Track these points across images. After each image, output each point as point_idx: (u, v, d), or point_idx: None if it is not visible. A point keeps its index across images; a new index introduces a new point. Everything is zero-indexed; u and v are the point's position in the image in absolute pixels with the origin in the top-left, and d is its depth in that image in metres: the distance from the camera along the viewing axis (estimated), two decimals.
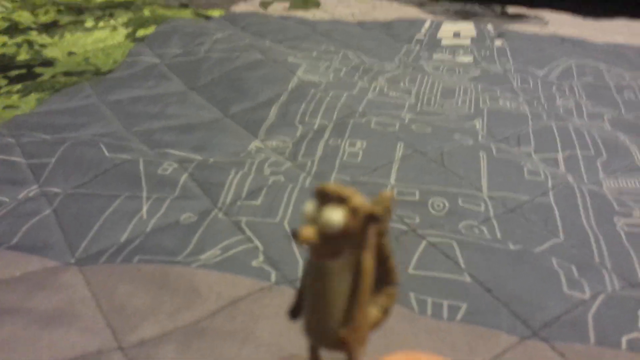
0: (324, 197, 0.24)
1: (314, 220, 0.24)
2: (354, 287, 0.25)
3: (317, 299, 0.26)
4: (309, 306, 0.27)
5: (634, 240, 0.45)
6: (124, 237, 0.44)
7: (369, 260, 0.25)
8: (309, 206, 0.24)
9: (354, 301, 0.26)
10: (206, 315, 0.37)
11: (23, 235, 0.44)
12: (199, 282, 0.39)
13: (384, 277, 0.28)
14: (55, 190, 0.50)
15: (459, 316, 0.37)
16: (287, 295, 0.38)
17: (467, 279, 0.40)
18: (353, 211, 0.24)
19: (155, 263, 0.41)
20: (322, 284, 0.26)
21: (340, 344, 0.26)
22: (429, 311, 0.38)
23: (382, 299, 0.28)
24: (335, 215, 0.24)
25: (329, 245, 0.24)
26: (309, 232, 0.24)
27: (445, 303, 0.38)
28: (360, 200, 0.24)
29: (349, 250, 0.25)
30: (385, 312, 0.28)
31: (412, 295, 0.39)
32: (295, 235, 0.24)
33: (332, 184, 0.24)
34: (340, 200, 0.24)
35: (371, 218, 0.24)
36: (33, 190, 0.50)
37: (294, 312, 0.29)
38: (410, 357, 0.23)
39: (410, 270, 0.41)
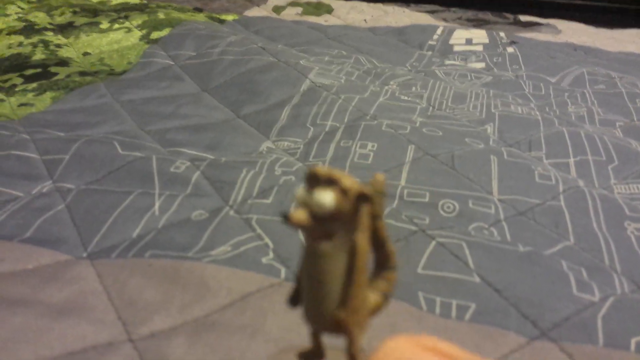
0: (315, 181, 0.25)
1: (306, 203, 0.24)
2: (349, 268, 0.26)
3: (313, 283, 0.26)
4: (306, 291, 0.27)
5: None
6: (136, 233, 0.45)
7: (362, 241, 0.25)
8: (301, 190, 0.25)
9: (349, 282, 0.26)
10: (216, 309, 0.37)
11: (36, 229, 0.45)
12: (209, 277, 0.39)
13: (383, 261, 0.28)
14: (69, 186, 0.51)
15: (468, 316, 0.37)
16: None
17: (476, 279, 0.40)
18: (343, 192, 0.24)
19: (166, 258, 0.41)
20: (317, 267, 0.26)
21: (338, 326, 0.26)
22: (438, 310, 0.38)
23: (382, 284, 0.28)
24: (326, 197, 0.24)
25: (321, 227, 0.25)
26: (299, 214, 0.24)
27: (454, 302, 0.38)
28: (350, 181, 0.24)
29: (343, 232, 0.25)
30: (386, 297, 0.28)
31: (420, 294, 0.39)
32: (286, 217, 0.24)
33: (322, 167, 0.25)
34: (330, 182, 0.24)
35: (362, 198, 0.25)
36: (47, 185, 0.51)
37: (294, 300, 0.29)
38: (413, 340, 0.23)
39: (420, 270, 0.41)
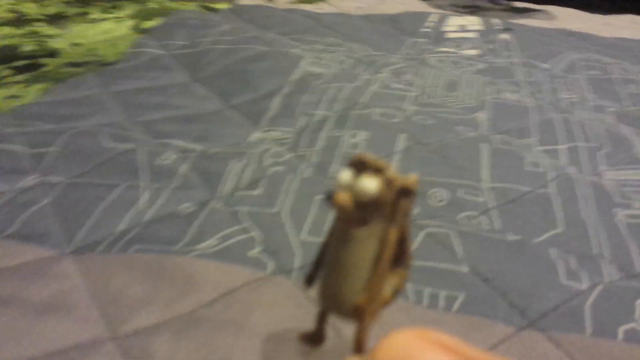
0: (360, 166, 0.25)
1: (348, 187, 0.25)
2: (377, 258, 0.26)
3: (338, 265, 0.27)
4: (328, 272, 0.28)
5: (633, 231, 0.45)
6: (121, 227, 0.44)
7: (394, 233, 0.26)
8: (345, 173, 0.25)
9: (375, 271, 0.26)
10: (202, 304, 0.37)
11: (21, 224, 0.44)
12: (195, 271, 0.39)
13: (399, 258, 0.28)
14: (55, 179, 0.50)
15: (456, 306, 0.37)
16: (284, 286, 0.38)
17: (465, 269, 0.40)
18: (388, 182, 0.25)
19: (151, 253, 0.41)
20: (346, 250, 0.26)
21: (354, 312, 0.27)
22: (425, 301, 0.37)
23: (394, 279, 0.28)
24: (372, 184, 0.24)
25: (359, 212, 0.25)
26: (344, 197, 0.25)
27: (442, 293, 0.38)
28: (395, 172, 0.25)
29: (377, 221, 0.26)
30: (395, 292, 0.29)
31: (408, 285, 0.38)
32: (330, 198, 0.25)
33: (369, 154, 0.25)
34: (376, 170, 0.25)
35: (404, 191, 0.25)
36: (32, 179, 0.50)
37: (310, 280, 0.29)
38: (417, 334, 0.23)
39: None
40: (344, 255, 0.27)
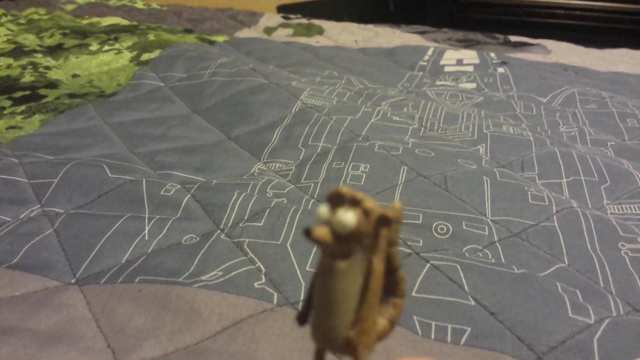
0: (338, 200, 0.25)
1: (327, 222, 0.25)
2: (364, 289, 0.26)
3: (325, 300, 0.27)
4: (317, 308, 0.27)
5: (638, 265, 0.45)
6: (125, 258, 0.44)
7: (379, 263, 0.26)
8: (323, 208, 0.25)
9: (363, 303, 0.26)
10: (207, 336, 0.36)
11: (24, 254, 0.44)
12: (200, 302, 0.39)
13: (392, 288, 0.28)
14: (57, 210, 0.50)
15: (463, 339, 0.37)
16: (290, 317, 0.38)
17: (471, 302, 0.40)
18: (365, 213, 0.25)
19: (156, 283, 0.41)
20: (332, 285, 0.26)
21: (347, 347, 0.27)
22: (433, 334, 0.37)
23: (389, 310, 0.28)
24: (349, 216, 0.24)
25: (340, 246, 0.25)
26: (322, 232, 0.25)
27: (449, 326, 0.38)
28: (372, 203, 0.25)
29: (359, 253, 0.26)
30: (392, 323, 0.28)
31: (415, 318, 0.38)
32: (308, 234, 0.25)
33: (346, 187, 0.25)
34: (353, 202, 0.25)
35: (383, 221, 0.25)
36: (35, 210, 0.50)
37: (302, 318, 0.29)
38: None
39: (414, 293, 0.40)
40: (330, 290, 0.26)
